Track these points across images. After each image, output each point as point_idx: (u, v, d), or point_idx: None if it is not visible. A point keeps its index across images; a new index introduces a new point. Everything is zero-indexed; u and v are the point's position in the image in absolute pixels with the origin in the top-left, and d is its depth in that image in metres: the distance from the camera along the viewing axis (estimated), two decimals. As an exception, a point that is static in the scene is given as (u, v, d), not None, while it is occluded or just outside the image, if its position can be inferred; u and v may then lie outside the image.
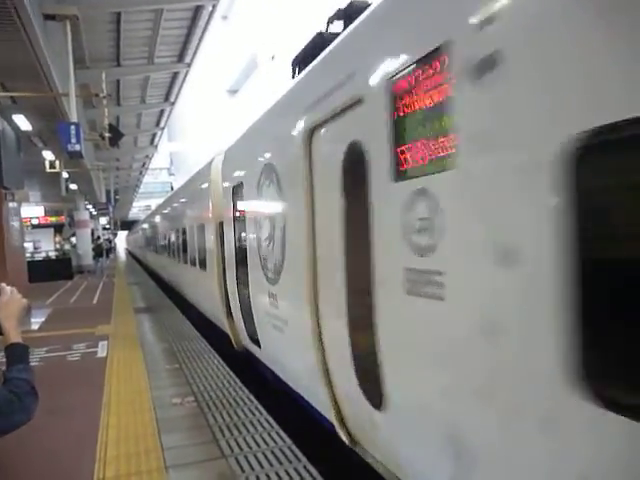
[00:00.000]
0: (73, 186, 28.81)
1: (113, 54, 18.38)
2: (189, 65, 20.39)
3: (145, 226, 30.70)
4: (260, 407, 5.67)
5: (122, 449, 4.73)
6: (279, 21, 37.07)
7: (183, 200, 13.62)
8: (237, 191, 7.10)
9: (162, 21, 16.18)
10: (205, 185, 9.81)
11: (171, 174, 66.90)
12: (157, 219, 22.42)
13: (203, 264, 10.15)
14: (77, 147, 12.42)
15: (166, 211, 18.59)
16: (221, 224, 8.36)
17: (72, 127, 12.56)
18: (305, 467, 4.21)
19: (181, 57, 19.89)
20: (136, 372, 7.33)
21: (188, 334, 10.00)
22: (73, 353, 8.77)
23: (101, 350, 8.87)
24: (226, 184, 7.84)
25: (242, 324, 7.21)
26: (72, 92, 13.32)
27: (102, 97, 15.06)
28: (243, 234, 6.97)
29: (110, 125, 16.62)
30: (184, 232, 12.86)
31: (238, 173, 7.13)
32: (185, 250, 12.73)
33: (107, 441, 4.92)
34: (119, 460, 4.50)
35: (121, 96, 23.16)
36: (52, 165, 21.03)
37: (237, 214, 7.38)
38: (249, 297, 6.54)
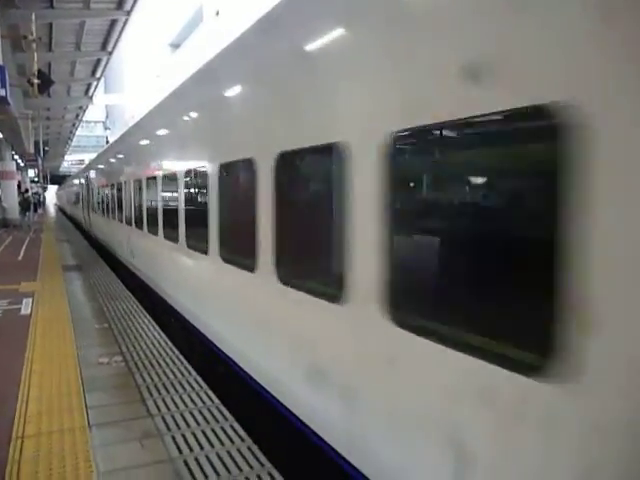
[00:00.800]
0: (-2, 134, 27.06)
1: (46, -6, 17.18)
2: (128, 13, 19.37)
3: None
4: (189, 367, 5.67)
5: (44, 407, 4.62)
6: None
7: None
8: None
9: (100, -37, 15.24)
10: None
11: (107, 128, 64.06)
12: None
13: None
14: (2, 92, 11.60)
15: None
16: None
17: (-3, 70, 11.72)
18: (232, 426, 4.28)
19: (120, 4, 18.85)
20: (62, 330, 7.11)
21: (119, 293, 9.78)
22: (-6, 309, 8.40)
23: (25, 307, 8.53)
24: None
25: None
26: (-3, 32, 12.40)
27: (31, 40, 14.10)
28: None
29: (39, 71, 15.61)
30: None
31: None
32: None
33: (28, 399, 4.79)
34: (40, 417, 4.40)
35: (54, 41, 21.77)
36: (-26, 111, 19.61)
37: None
38: None
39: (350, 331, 3.30)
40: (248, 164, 4.57)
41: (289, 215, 4.13)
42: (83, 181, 25.39)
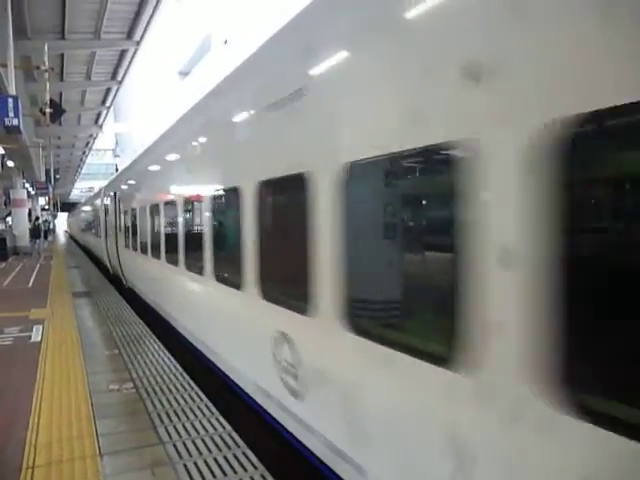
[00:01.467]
0: (10, 163, 27.43)
1: (57, 26, 17.58)
2: (138, 43, 19.76)
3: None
4: (200, 393, 5.61)
5: (54, 435, 4.57)
6: (233, 4, 36.40)
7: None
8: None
9: (110, -6, 15.62)
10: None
11: (116, 155, 64.83)
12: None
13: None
14: (15, 121, 11.76)
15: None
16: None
17: (10, 100, 11.87)
18: (244, 453, 4.20)
19: (130, 34, 19.24)
20: (72, 357, 7.09)
21: (128, 319, 9.76)
22: (5, 337, 8.39)
23: (35, 334, 8.53)
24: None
25: None
26: (11, 63, 12.62)
27: (44, 70, 14.37)
28: None
29: (51, 100, 15.88)
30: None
31: None
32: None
33: (39, 427, 4.75)
34: (51, 446, 4.35)
35: (65, 71, 22.22)
36: (-13, 140, 19.92)
37: None
38: None
39: (318, 338, 3.67)
40: (235, 191, 5.12)
41: (268, 237, 4.60)
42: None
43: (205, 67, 46.71)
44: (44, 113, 15.41)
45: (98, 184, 47.32)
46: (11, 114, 11.55)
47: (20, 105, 12.03)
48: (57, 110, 16.28)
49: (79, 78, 23.95)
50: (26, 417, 4.96)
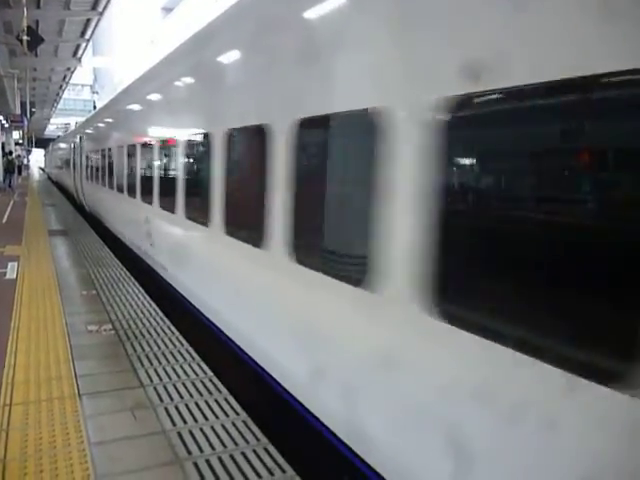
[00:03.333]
0: (-18, 93, 26.27)
1: (35, -53, 16.47)
2: (121, -28, 18.67)
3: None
4: (181, 338, 5.56)
5: (32, 375, 4.49)
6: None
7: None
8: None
9: None
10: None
11: (94, 92, 62.52)
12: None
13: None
14: (-11, 48, 11.11)
15: None
16: None
17: (-16, 25, 11.17)
18: (226, 399, 4.20)
19: (113, -38, 18.15)
20: (49, 296, 6.95)
21: (106, 261, 9.59)
22: (-22, 272, 8.19)
23: (10, 271, 8.33)
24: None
25: None
26: (-15, -15, 11.82)
27: (20, -6, 13.50)
28: None
29: (29, 27, 15.04)
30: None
31: None
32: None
33: (15, 366, 4.66)
34: (28, 385, 4.28)
35: (42, -2, 20.98)
36: (-41, 67, 18.94)
37: None
38: None
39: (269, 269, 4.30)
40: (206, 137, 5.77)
41: (233, 181, 5.18)
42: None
43: (189, 4, 44.76)
44: (21, 41, 14.61)
45: (75, 120, 45.80)
46: (-15, 40, 10.87)
47: (-5, 31, 11.34)
48: (35, 38, 15.45)
49: (57, 6, 22.66)
50: (2, 356, 4.87)
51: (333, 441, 3.37)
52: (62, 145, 33.33)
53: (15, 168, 31.08)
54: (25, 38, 14.67)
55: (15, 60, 24.69)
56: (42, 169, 69.86)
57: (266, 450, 3.47)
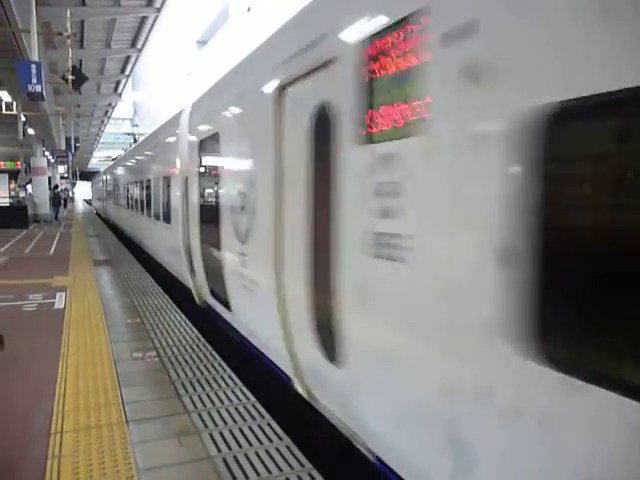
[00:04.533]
0: (31, 131, 27.56)
1: (78, -8, 17.37)
2: (158, 10, 19.50)
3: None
4: (224, 364, 5.63)
5: (81, 402, 4.61)
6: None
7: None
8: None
9: (131, -40, 15.34)
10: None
11: (134, 125, 64.57)
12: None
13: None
14: (38, 88, 11.69)
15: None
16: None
17: (33, 66, 11.78)
18: (269, 424, 4.21)
19: (150, 1, 18.96)
20: (95, 325, 7.16)
21: (149, 289, 9.82)
22: (29, 303, 8.50)
23: (59, 301, 8.63)
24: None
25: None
26: (33, 29, 12.51)
27: (66, 36, 14.25)
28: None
29: (74, 67, 15.80)
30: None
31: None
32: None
33: (65, 394, 4.80)
34: (78, 413, 4.39)
35: (85, 38, 22.07)
36: (9, 107, 19.97)
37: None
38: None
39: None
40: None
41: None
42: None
43: (223, 37, 46.06)
44: (66, 80, 15.34)
45: (116, 153, 47.36)
46: (34, 80, 11.47)
47: (43, 71, 11.96)
48: (79, 77, 16.20)
49: (99, 46, 23.79)
50: (52, 384, 5.02)
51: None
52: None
53: (61, 201, 32.27)
54: (70, 77, 15.38)
55: (60, 98, 25.87)
56: (87, 202, 71.69)
57: (310, 476, 3.46)
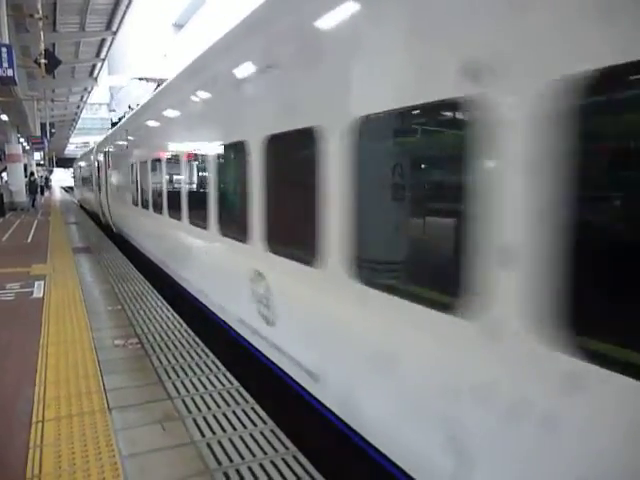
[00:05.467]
0: (4, 117, 26.88)
1: (49, -27, 16.89)
2: (133, -8, 19.04)
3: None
4: (206, 349, 5.61)
5: (62, 390, 4.57)
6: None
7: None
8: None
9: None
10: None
11: (112, 110, 63.47)
12: None
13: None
14: (9, 72, 11.34)
15: None
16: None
17: (3, 49, 11.42)
18: (253, 408, 4.22)
19: (124, -18, 18.53)
20: (75, 313, 7.07)
21: (130, 276, 9.72)
22: (6, 293, 8.36)
23: (37, 290, 8.50)
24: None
25: None
26: (3, 11, 12.14)
27: (37, 18, 13.86)
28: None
29: (46, 50, 15.41)
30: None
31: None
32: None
33: (46, 382, 4.75)
34: (59, 401, 4.35)
35: (58, 21, 21.50)
36: (-20, 92, 19.40)
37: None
38: None
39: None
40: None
41: None
42: None
43: (200, 20, 45.32)
44: (39, 64, 14.95)
45: (93, 139, 46.50)
46: (5, 64, 11.12)
47: (14, 55, 11.62)
48: (52, 61, 15.80)
49: (73, 29, 23.21)
50: (32, 373, 4.96)
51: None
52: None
53: (37, 189, 31.67)
54: (43, 61, 14.99)
55: (34, 83, 25.26)
56: (65, 189, 69.84)
57: (295, 458, 3.48)
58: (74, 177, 44.70)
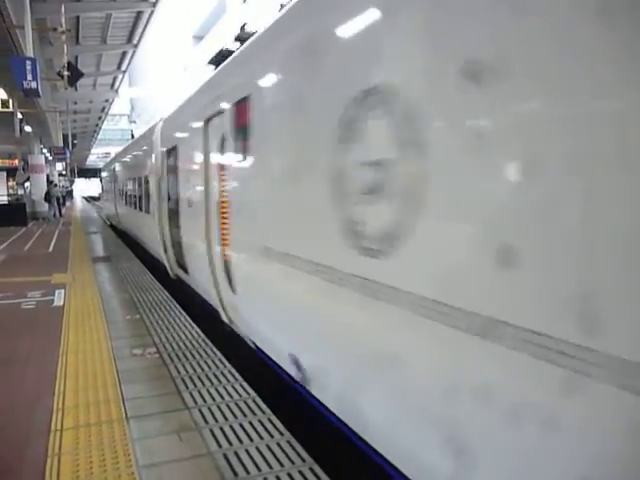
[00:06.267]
0: (27, 128, 27.46)
1: (72, -13, 17.24)
2: (154, 5, 19.36)
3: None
4: (224, 359, 5.61)
5: (81, 399, 4.60)
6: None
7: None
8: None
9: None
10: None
11: (132, 121, 64.44)
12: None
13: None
14: (33, 84, 11.58)
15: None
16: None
17: (28, 62, 11.67)
18: (269, 419, 4.19)
19: (146, -5, 18.87)
20: (95, 322, 7.14)
21: (149, 285, 9.80)
22: (28, 301, 8.47)
23: (58, 299, 8.60)
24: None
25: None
26: (28, 25, 12.39)
27: (61, 32, 14.13)
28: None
29: (69, 63, 15.70)
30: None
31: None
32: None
33: (65, 391, 4.78)
34: (78, 410, 4.38)
35: (80, 35, 21.94)
36: (4, 104, 19.87)
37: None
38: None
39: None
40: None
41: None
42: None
43: (218, 32, 45.87)
44: (62, 76, 15.24)
45: (114, 150, 47.22)
46: (29, 77, 11.36)
47: (38, 68, 11.87)
48: (75, 73, 16.09)
49: (95, 42, 23.65)
50: (52, 382, 5.00)
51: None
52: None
53: (60, 198, 32.14)
54: (66, 73, 15.28)
55: (56, 95, 25.75)
56: (87, 199, 70.07)
57: (311, 470, 3.45)
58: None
